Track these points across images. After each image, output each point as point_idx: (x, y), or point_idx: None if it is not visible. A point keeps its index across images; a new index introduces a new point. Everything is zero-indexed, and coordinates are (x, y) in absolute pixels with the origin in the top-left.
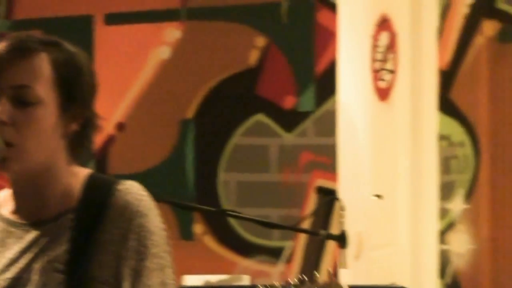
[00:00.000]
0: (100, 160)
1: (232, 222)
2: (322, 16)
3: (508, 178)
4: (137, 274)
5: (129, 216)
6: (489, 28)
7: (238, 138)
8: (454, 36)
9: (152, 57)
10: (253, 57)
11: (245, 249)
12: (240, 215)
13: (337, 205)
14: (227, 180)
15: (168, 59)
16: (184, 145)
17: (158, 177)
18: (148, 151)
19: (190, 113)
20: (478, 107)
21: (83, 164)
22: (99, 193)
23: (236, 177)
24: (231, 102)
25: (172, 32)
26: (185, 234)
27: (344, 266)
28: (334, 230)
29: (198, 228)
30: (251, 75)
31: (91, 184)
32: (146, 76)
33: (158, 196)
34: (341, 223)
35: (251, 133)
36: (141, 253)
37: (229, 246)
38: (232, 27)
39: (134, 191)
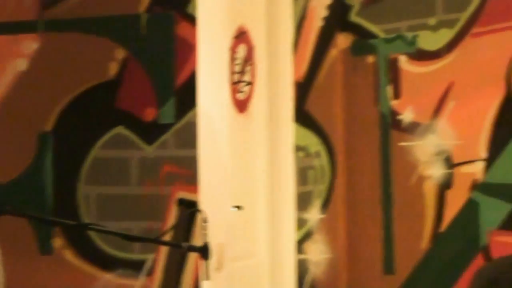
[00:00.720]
0: None
1: (92, 235)
2: (181, 28)
3: (362, 188)
4: None
5: None
6: (342, 41)
7: (97, 150)
8: (309, 48)
9: (9, 69)
10: (112, 69)
11: (106, 262)
12: (101, 228)
13: (198, 217)
14: (87, 193)
15: (26, 71)
16: (42, 158)
17: (16, 190)
18: (6, 164)
19: (48, 125)
20: (333, 118)
21: None
22: None
23: (96, 190)
24: (90, 114)
25: (29, 44)
26: (44, 248)
27: (206, 277)
28: (196, 242)
29: (57, 242)
30: (110, 88)
31: None
32: (3, 88)
33: (16, 209)
34: (203, 235)
35: (111, 145)
36: None
37: (89, 260)
38: (91, 39)
39: None
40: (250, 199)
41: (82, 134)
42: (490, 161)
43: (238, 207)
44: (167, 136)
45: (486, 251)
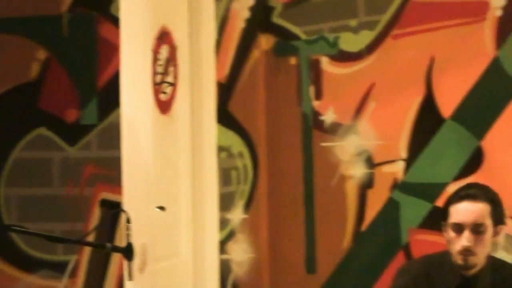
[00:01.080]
0: None
1: (14, 237)
2: (104, 29)
3: (284, 188)
4: None
5: None
6: (265, 42)
7: (19, 152)
8: (232, 49)
9: None
10: (34, 70)
11: (28, 264)
12: (23, 229)
13: (122, 218)
14: (9, 195)
15: None
16: None
17: None
18: None
19: None
20: (255, 119)
21: None
22: None
23: (18, 192)
24: (12, 115)
25: None
26: None
27: (129, 278)
28: (120, 242)
29: None
30: (32, 88)
31: None
32: None
33: None
34: (126, 236)
35: (33, 147)
36: None
37: (11, 262)
38: (12, 39)
39: None
40: (174, 199)
41: (3, 135)
42: (410, 161)
43: (161, 207)
44: (90, 137)
45: (406, 249)
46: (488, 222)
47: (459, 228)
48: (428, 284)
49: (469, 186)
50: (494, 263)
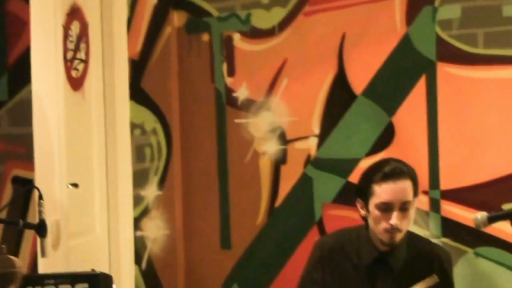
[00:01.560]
0: None
1: None
2: (13, 4)
3: (199, 165)
4: None
5: None
6: (177, 19)
7: None
8: (144, 26)
9: None
10: None
11: None
12: None
13: (34, 195)
14: None
15: None
16: None
17: None
18: None
19: None
20: (169, 95)
21: None
22: None
23: None
24: None
25: None
26: None
27: (43, 255)
28: (32, 219)
29: None
30: None
31: None
32: None
33: None
34: (39, 212)
35: None
36: None
37: None
38: None
39: None
40: (87, 176)
41: None
42: (322, 137)
43: (74, 184)
44: (0, 113)
45: (320, 224)
46: (412, 198)
47: (386, 207)
48: (344, 257)
49: (387, 162)
50: (409, 237)
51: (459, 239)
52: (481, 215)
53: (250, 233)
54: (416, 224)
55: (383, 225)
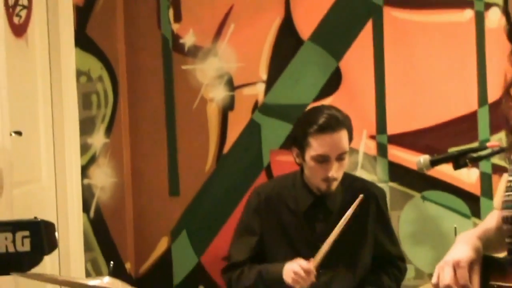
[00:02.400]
0: None
1: None
2: None
3: (146, 112)
4: None
5: None
6: None
7: None
8: None
9: None
10: None
11: None
12: None
13: None
14: None
15: None
16: None
17: None
18: None
19: None
20: (115, 42)
21: None
22: None
23: None
24: None
25: None
26: None
27: None
28: None
29: None
30: None
31: None
32: None
33: None
34: None
35: None
36: None
37: None
38: None
39: None
40: (32, 124)
41: None
42: (270, 82)
43: (18, 132)
44: None
45: (268, 170)
46: (348, 148)
47: (323, 159)
48: (281, 204)
49: (321, 112)
50: (344, 179)
51: (406, 183)
52: (424, 158)
53: (198, 180)
54: (363, 169)
55: (320, 175)
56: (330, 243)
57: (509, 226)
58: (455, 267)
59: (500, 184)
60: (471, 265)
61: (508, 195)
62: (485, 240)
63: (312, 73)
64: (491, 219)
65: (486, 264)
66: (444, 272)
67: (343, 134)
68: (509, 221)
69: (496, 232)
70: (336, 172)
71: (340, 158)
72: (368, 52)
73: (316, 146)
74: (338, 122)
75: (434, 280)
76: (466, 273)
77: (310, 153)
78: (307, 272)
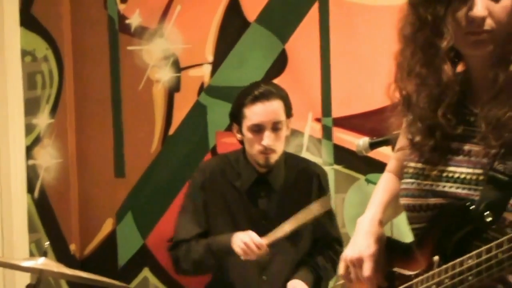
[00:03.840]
0: None
1: None
2: None
3: (91, 92)
4: None
5: None
6: None
7: None
8: None
9: None
10: None
11: None
12: None
13: None
14: None
15: None
16: None
17: None
18: None
19: None
20: (60, 21)
21: None
22: None
23: None
24: None
25: None
26: None
27: None
28: None
29: None
30: None
31: None
32: None
33: None
34: None
35: None
36: None
37: None
38: None
39: None
40: None
41: None
42: (216, 64)
43: None
44: None
45: (214, 151)
46: (283, 118)
47: (258, 129)
48: (224, 180)
49: (257, 86)
50: (286, 157)
51: (351, 166)
52: (363, 140)
53: (144, 161)
54: (308, 151)
55: (257, 147)
56: (288, 231)
57: (411, 213)
58: (357, 265)
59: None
60: (373, 257)
61: (407, 183)
62: (386, 218)
63: (258, 55)
64: (387, 185)
65: (390, 249)
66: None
67: (278, 104)
68: (411, 209)
69: (395, 201)
70: (272, 141)
71: (275, 128)
72: (314, 34)
73: (250, 115)
74: (271, 92)
75: (341, 271)
76: (369, 269)
77: (246, 123)
78: (258, 246)
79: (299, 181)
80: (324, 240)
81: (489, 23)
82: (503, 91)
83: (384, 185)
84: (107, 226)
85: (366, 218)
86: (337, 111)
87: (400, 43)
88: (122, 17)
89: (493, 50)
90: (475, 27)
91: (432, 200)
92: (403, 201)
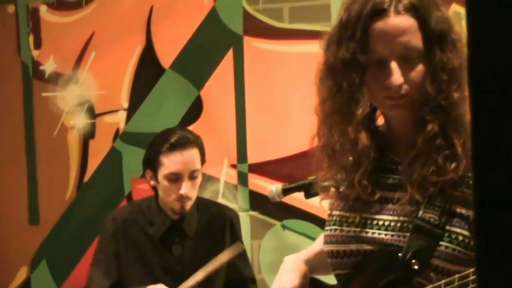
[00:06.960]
0: None
1: None
2: None
3: (5, 139)
4: None
5: None
6: None
7: None
8: None
9: None
10: None
11: None
12: None
13: None
14: None
15: None
16: None
17: None
18: None
19: None
20: None
21: None
22: None
23: None
24: None
25: None
26: None
27: None
28: None
29: None
30: None
31: None
32: None
33: None
34: None
35: None
36: None
37: None
38: None
39: None
40: None
41: None
42: (131, 110)
43: None
44: None
45: (129, 198)
46: (199, 166)
47: (176, 178)
48: (138, 229)
49: (173, 132)
50: (198, 203)
51: (267, 212)
52: (276, 187)
53: (58, 209)
54: (224, 197)
55: (173, 195)
56: (200, 278)
57: (334, 260)
58: None
59: None
60: None
61: (330, 230)
62: (312, 263)
63: (173, 101)
64: (320, 241)
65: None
66: None
67: (194, 152)
68: (334, 255)
69: (323, 255)
70: (189, 190)
71: (192, 176)
72: (229, 81)
73: (168, 164)
74: (188, 140)
75: None
76: None
77: (163, 172)
78: None
79: (212, 225)
80: (239, 281)
81: (405, 88)
82: (423, 152)
83: (319, 240)
84: (21, 274)
85: (292, 256)
86: (252, 157)
87: (319, 98)
88: (36, 63)
89: (410, 112)
90: (392, 93)
91: (355, 246)
92: (326, 248)
